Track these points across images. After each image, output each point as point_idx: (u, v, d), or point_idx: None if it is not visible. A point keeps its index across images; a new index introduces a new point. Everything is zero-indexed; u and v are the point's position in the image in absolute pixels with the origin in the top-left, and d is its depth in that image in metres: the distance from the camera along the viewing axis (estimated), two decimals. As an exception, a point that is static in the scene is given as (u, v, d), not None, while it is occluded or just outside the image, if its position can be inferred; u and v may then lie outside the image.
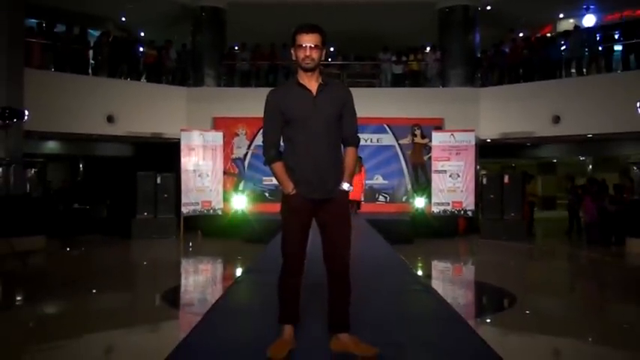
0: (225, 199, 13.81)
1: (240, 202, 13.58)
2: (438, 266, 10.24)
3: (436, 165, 13.70)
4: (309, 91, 2.93)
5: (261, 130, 3.05)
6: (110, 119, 13.71)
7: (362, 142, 14.15)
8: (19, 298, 7.44)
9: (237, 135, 14.68)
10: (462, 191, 13.49)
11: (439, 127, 14.40)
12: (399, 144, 14.73)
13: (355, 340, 2.94)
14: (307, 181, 2.89)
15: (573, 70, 14.01)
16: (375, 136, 14.69)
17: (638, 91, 11.75)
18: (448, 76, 15.29)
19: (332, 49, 17.26)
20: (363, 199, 13.00)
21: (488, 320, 6.34)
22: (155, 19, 16.63)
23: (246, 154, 14.74)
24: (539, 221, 14.33)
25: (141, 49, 15.20)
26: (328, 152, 2.92)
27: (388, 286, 4.96)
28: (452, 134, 13.73)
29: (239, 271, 8.82)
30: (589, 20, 16.23)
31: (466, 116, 14.52)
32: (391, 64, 15.80)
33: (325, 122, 2.90)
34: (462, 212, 13.47)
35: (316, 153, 2.88)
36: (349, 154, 3.03)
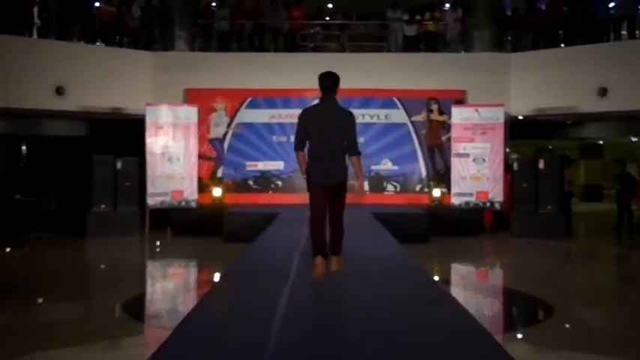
0: (201, 189, 13.80)
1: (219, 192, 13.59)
2: (458, 270, 10.27)
3: (457, 147, 13.69)
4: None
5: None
6: (60, 91, 13.60)
7: (367, 119, 14.41)
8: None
9: (215, 110, 14.58)
10: (488, 179, 13.48)
11: (460, 101, 14.37)
12: (411, 121, 14.69)
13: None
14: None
15: (624, 32, 13.99)
16: (382, 112, 14.62)
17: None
18: (472, 39, 15.24)
19: (330, 5, 17.16)
20: None
21: (519, 335, 6.37)
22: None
23: (225, 134, 14.66)
24: (581, 215, 14.34)
25: (97, 4, 15.08)
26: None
27: (398, 292, 4.95)
28: (476, 110, 13.70)
29: (217, 277, 8.82)
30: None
31: (493, 88, 14.48)
32: (402, 24, 15.73)
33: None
34: (489, 204, 13.50)
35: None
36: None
